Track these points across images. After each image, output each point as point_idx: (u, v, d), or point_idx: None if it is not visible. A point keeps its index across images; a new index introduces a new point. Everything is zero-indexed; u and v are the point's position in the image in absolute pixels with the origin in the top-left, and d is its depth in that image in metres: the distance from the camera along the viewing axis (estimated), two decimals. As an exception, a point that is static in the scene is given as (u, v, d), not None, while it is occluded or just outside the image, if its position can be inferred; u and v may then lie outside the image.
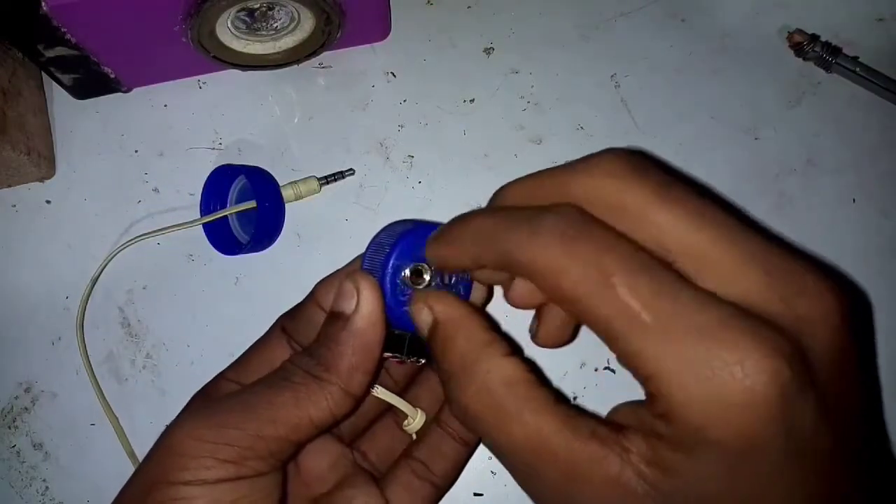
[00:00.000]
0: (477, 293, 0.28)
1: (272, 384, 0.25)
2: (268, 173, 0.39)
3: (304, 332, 0.29)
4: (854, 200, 0.40)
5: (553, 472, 0.20)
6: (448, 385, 0.23)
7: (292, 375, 0.25)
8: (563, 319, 0.25)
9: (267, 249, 0.40)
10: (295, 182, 0.40)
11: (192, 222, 0.39)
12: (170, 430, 0.24)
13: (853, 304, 0.20)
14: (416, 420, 0.30)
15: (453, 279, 0.28)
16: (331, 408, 0.25)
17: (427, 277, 0.27)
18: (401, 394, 0.31)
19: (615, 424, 0.20)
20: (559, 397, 0.21)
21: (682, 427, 0.18)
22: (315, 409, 0.24)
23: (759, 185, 0.41)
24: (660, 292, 0.19)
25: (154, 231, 0.39)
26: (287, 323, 0.30)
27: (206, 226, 0.39)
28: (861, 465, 0.20)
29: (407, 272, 0.27)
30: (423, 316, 0.24)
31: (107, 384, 0.39)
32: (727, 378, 0.17)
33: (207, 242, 0.40)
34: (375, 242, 0.28)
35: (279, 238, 0.40)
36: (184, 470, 0.23)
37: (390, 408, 0.31)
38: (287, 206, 0.40)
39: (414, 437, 0.31)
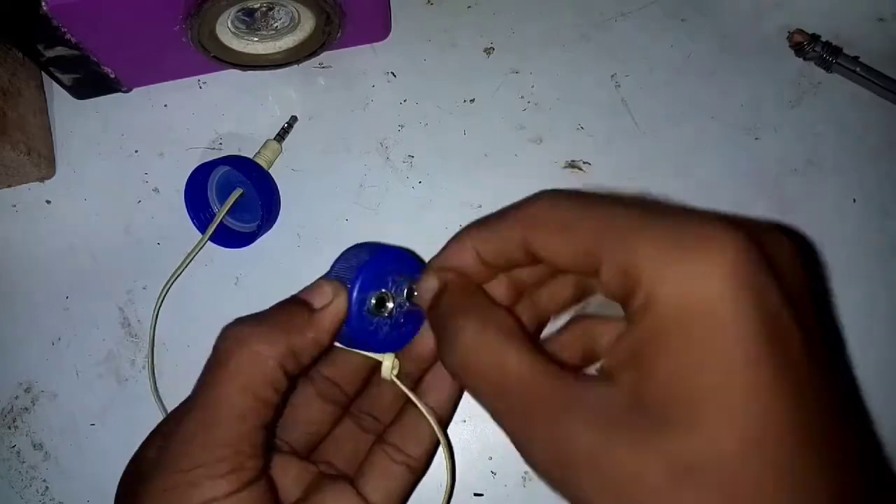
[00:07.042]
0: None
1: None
2: (234, 156, 0.39)
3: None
4: (854, 200, 0.40)
5: (547, 409, 0.21)
6: (446, 336, 0.24)
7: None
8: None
9: (268, 249, 0.40)
10: (258, 153, 0.40)
11: (200, 244, 0.38)
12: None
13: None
14: (388, 361, 0.29)
15: (406, 306, 0.29)
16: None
17: (390, 305, 0.28)
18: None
19: (603, 368, 0.21)
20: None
21: (661, 308, 0.19)
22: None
23: (760, 186, 0.41)
24: (642, 210, 0.21)
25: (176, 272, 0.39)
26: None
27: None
28: (827, 374, 0.20)
29: (372, 301, 0.28)
30: (430, 283, 0.26)
31: (106, 384, 0.39)
32: (702, 252, 0.19)
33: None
34: (344, 266, 0.29)
35: (279, 239, 0.40)
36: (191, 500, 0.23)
37: (344, 415, 0.31)
38: (286, 204, 0.40)
39: (392, 378, 0.29)
